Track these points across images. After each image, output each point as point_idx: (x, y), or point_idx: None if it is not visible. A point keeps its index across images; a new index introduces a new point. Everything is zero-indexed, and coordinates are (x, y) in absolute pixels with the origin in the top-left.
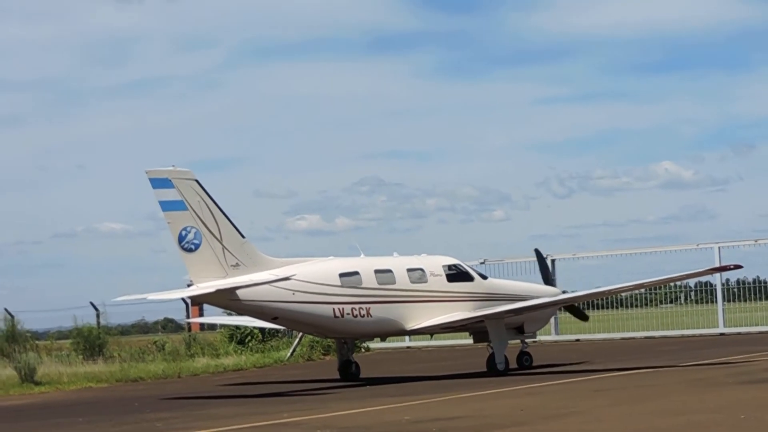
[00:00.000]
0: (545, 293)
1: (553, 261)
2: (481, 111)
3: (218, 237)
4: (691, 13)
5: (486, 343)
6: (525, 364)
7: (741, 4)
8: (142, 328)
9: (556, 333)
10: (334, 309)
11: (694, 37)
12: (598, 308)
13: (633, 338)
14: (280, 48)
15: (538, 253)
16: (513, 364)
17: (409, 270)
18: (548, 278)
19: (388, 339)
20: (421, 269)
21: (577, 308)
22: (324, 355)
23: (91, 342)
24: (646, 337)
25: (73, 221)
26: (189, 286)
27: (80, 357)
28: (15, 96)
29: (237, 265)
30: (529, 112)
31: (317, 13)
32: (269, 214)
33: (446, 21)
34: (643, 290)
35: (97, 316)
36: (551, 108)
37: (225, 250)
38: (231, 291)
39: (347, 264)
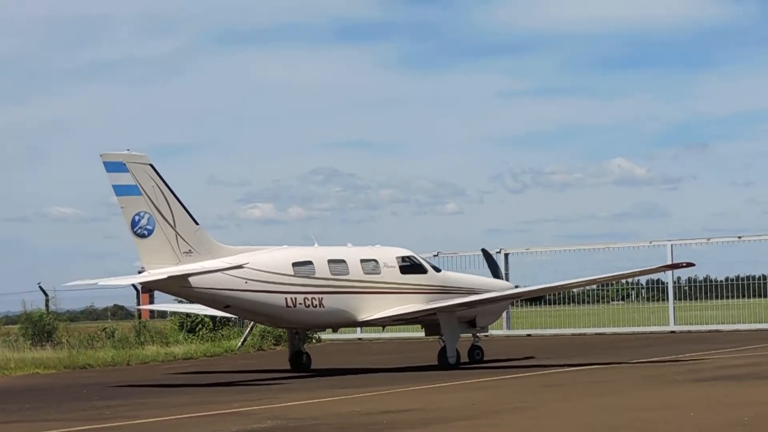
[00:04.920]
0: (498, 287)
1: (506, 255)
2: (441, 104)
3: (172, 223)
4: (654, 11)
5: (438, 336)
6: (476, 358)
7: (704, 3)
8: (91, 314)
9: (508, 328)
10: (286, 298)
11: (657, 34)
12: (549, 304)
13: (584, 334)
14: (242, 34)
15: (485, 253)
16: (464, 358)
17: (362, 261)
18: (498, 276)
19: (339, 330)
20: (375, 260)
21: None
22: (275, 345)
23: (39, 327)
24: (597, 334)
25: (24, 205)
26: (140, 272)
27: (28, 342)
28: None
29: (190, 252)
30: (489, 105)
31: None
32: (222, 201)
33: (412, 12)
34: (594, 286)
35: (47, 301)
36: (512, 102)
37: (178, 237)
38: (183, 278)
39: (301, 253)
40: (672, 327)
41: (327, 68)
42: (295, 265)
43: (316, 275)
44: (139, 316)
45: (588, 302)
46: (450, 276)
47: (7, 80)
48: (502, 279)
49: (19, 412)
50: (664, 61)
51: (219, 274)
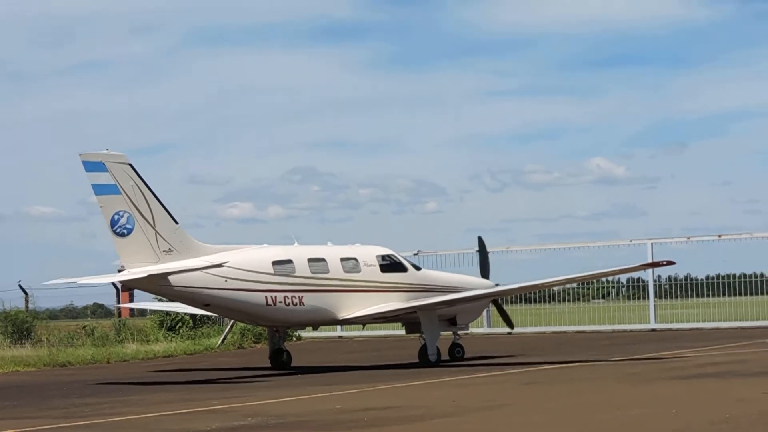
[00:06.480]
0: (478, 285)
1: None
2: (420, 103)
3: (151, 222)
4: (635, 10)
5: (418, 334)
6: (457, 356)
7: (681, 3)
8: (70, 313)
9: (488, 326)
10: (266, 297)
11: (634, 35)
12: (529, 302)
13: (564, 332)
14: (222, 35)
15: (480, 241)
16: (445, 356)
17: (342, 259)
18: (486, 269)
19: (320, 328)
20: (355, 259)
21: (505, 313)
22: (255, 343)
23: (18, 326)
24: (578, 332)
25: (3, 204)
26: (120, 271)
27: (8, 341)
28: None
29: (170, 250)
30: (468, 105)
31: (262, 1)
32: (201, 201)
33: (393, 12)
34: (575, 285)
35: (26, 299)
36: (492, 102)
37: (158, 236)
38: (163, 276)
39: (280, 252)
40: (653, 325)
41: (306, 68)
42: (275, 263)
43: (296, 274)
44: (119, 315)
45: (568, 300)
46: (430, 274)
47: None
48: (489, 273)
49: None
50: (642, 61)
51: (199, 272)
